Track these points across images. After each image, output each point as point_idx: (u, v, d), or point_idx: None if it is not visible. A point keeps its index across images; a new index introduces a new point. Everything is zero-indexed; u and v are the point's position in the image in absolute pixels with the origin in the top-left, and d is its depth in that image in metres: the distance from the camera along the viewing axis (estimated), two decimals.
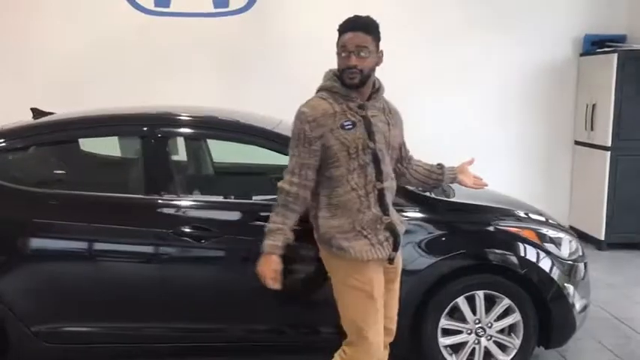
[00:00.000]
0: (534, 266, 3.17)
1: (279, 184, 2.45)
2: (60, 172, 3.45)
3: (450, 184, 2.88)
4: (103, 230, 3.02)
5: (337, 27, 2.48)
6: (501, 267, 3.16)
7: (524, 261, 3.17)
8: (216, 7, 6.03)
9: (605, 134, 5.84)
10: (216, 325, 3.10)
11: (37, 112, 3.72)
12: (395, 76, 6.19)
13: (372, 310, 2.49)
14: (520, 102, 6.36)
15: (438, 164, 2.86)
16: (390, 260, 2.56)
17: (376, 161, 2.47)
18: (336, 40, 2.48)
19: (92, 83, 5.80)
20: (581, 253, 3.44)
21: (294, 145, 2.45)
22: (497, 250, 3.17)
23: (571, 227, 5.75)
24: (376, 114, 2.51)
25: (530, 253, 3.19)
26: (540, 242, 3.24)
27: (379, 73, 2.60)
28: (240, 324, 3.12)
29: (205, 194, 3.43)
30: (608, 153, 5.82)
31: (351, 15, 2.49)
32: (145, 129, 3.16)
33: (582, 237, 5.30)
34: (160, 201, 3.04)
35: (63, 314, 3.03)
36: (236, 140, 3.25)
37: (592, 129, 6.02)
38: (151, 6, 5.98)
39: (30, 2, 5.88)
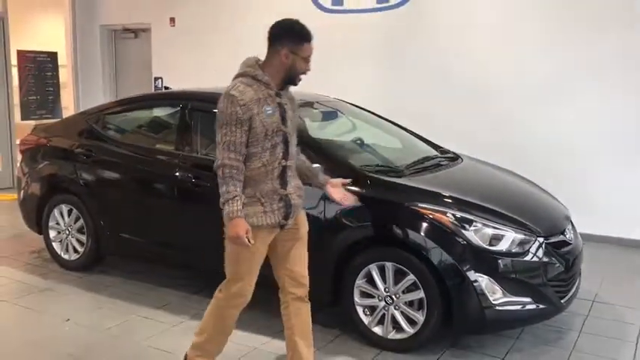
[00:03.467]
0: (434, 248, 3.31)
1: (220, 162, 2.71)
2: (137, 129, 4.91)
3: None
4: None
5: (298, 33, 2.97)
6: (405, 242, 3.38)
7: (422, 241, 3.34)
8: (378, 2, 6.76)
9: None
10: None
11: (165, 88, 5.34)
12: (545, 69, 5.97)
13: (250, 261, 2.88)
14: None
15: (315, 166, 3.16)
16: (282, 227, 2.90)
17: (285, 142, 2.85)
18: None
19: None
20: (524, 251, 3.38)
21: (227, 124, 2.72)
22: (398, 227, 3.41)
23: None
24: (286, 102, 2.91)
25: (434, 235, 3.34)
26: (450, 227, 3.33)
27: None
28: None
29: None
30: None
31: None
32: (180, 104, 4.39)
33: None
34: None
35: None
36: None
37: None
38: (329, 5, 7.07)
39: (240, 5, 7.60)
